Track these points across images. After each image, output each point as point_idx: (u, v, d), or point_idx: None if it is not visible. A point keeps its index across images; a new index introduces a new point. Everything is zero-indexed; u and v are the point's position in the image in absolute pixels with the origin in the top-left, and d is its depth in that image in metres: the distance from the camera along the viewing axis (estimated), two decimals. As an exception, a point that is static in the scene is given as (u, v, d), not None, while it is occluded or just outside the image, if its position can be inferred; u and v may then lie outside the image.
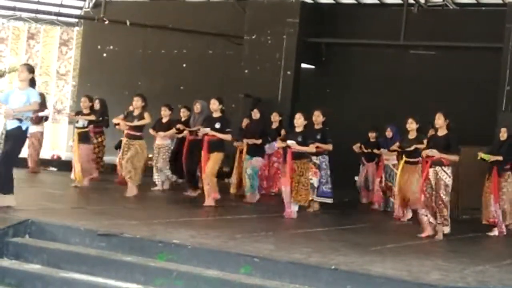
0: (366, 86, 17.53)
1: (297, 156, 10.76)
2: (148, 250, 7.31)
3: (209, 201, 11.28)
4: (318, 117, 11.92)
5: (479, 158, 11.11)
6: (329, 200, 12.06)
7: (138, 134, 11.94)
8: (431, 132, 11.08)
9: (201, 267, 6.95)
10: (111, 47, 20.90)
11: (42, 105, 12.81)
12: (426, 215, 9.87)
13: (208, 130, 11.29)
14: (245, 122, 13.94)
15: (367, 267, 6.91)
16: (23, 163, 14.56)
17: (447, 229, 9.92)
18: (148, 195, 12.42)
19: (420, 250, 8.86)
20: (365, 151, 13.98)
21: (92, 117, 12.78)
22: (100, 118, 13.57)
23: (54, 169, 15.94)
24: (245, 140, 12.72)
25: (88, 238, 7.63)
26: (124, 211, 10.10)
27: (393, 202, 12.52)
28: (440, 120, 9.83)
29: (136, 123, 11.85)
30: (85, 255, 7.31)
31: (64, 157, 18.00)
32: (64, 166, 14.94)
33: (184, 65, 19.82)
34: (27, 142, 14.18)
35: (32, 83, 9.30)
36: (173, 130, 13.17)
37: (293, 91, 17.31)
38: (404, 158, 11.29)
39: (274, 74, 17.37)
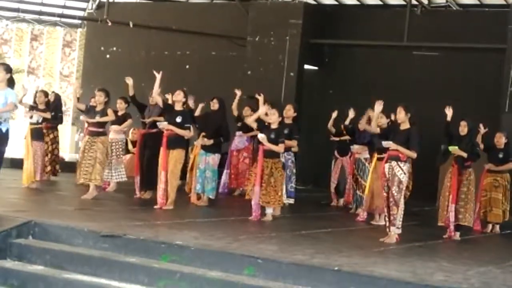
0: (369, 87, 17.51)
1: (269, 154, 10.21)
2: (152, 251, 7.30)
3: (168, 204, 10.58)
4: (289, 111, 11.42)
5: (448, 147, 10.27)
6: (291, 201, 11.62)
7: (101, 130, 11.31)
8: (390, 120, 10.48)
9: (205, 268, 6.94)
10: (114, 48, 20.93)
11: (58, 107, 12.63)
12: (385, 217, 9.26)
13: (165, 124, 10.61)
14: (201, 109, 12.56)
15: (370, 268, 6.91)
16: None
17: (397, 231, 9.07)
18: (147, 196, 12.38)
19: (423, 251, 8.85)
20: (336, 139, 13.18)
21: (47, 115, 12.37)
22: (53, 113, 12.95)
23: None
24: (200, 138, 11.52)
25: (91, 239, 7.62)
26: (127, 212, 10.10)
27: (360, 199, 11.81)
28: (401, 114, 9.30)
29: (98, 119, 11.18)
30: (88, 256, 7.31)
31: (67, 158, 18.03)
32: (68, 167, 14.90)
33: (187, 66, 19.84)
34: None
35: (10, 83, 9.17)
36: (129, 122, 12.57)
37: (296, 92, 17.32)
38: (376, 155, 10.89)
39: (277, 75, 17.38)
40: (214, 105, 11.81)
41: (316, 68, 18.43)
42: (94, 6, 21.20)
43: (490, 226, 11.79)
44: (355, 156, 12.26)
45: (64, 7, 21.88)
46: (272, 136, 10.21)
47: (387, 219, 9.17)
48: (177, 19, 19.32)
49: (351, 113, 12.99)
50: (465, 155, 10.15)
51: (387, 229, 9.16)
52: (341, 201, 13.55)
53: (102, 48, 21.05)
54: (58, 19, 21.64)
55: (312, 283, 6.63)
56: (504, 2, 16.20)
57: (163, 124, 10.69)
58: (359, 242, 8.96)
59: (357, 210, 11.99)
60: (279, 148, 10.28)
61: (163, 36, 19.77)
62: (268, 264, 6.85)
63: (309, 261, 7.03)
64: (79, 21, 21.90)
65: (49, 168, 13.49)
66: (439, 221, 10.46)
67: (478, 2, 17.11)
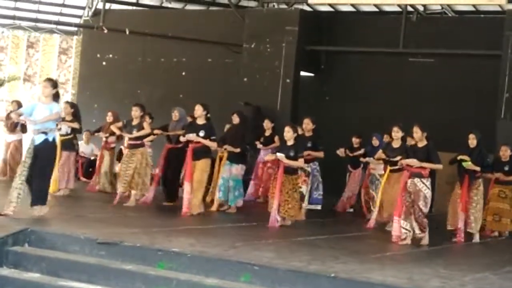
0: (365, 94, 17.56)
1: (289, 171, 10.59)
2: (148, 258, 7.30)
3: (194, 210, 11.06)
4: (307, 125, 11.82)
5: (458, 158, 10.81)
6: (319, 207, 12.01)
7: (139, 142, 11.89)
8: (409, 140, 10.95)
9: (201, 275, 6.94)
10: (111, 55, 20.93)
11: (76, 116, 12.72)
12: (401, 225, 9.78)
13: (193, 136, 11.01)
14: (228, 128, 13.37)
15: (366, 275, 6.91)
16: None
17: (426, 238, 9.88)
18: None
19: (419, 257, 8.86)
20: (350, 155, 14.06)
21: (76, 125, 12.51)
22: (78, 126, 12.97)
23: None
24: (224, 146, 12.17)
25: (87, 247, 7.61)
26: (123, 219, 10.10)
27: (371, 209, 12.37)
28: (418, 134, 9.90)
29: (135, 134, 11.81)
30: (84, 263, 7.30)
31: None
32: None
33: (184, 73, 19.85)
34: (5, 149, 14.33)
35: (56, 97, 9.44)
36: (152, 138, 12.75)
37: (292, 99, 17.33)
38: (389, 167, 11.30)
39: (273, 82, 17.39)
40: (235, 119, 12.49)
41: (312, 74, 18.45)
42: (90, 13, 21.19)
43: (496, 233, 12.20)
44: (370, 171, 12.87)
45: (60, 14, 21.89)
46: (291, 153, 10.57)
47: (406, 224, 9.75)
48: (173, 26, 19.33)
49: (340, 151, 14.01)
50: (478, 169, 10.80)
51: (395, 236, 9.75)
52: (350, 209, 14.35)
53: (98, 55, 21.05)
54: (54, 26, 21.63)
55: (308, 290, 6.63)
56: (500, 9, 16.24)
57: (191, 136, 11.07)
58: (356, 248, 8.97)
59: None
60: (299, 163, 10.64)
61: (159, 43, 19.78)
62: (264, 271, 6.85)
63: (305, 268, 7.03)
64: (75, 28, 21.89)
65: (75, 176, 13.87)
66: (448, 226, 11.14)
67: (473, 9, 17.16)
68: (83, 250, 7.61)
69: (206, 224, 10.46)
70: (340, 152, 14.01)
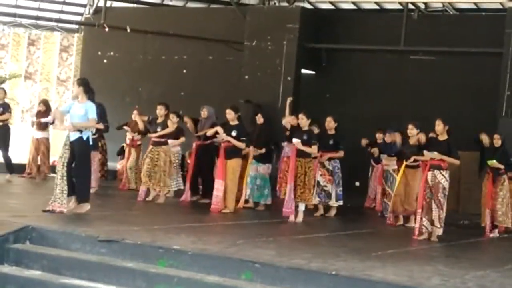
0: (366, 92, 17.55)
1: (301, 154, 10.89)
2: (149, 256, 7.30)
3: (227, 208, 11.38)
4: (330, 123, 12.07)
5: (489, 163, 11.42)
6: (340, 203, 12.22)
7: (163, 140, 12.17)
8: (431, 134, 11.11)
9: (202, 273, 6.94)
10: (112, 53, 20.93)
11: (102, 117, 12.74)
12: (421, 220, 9.98)
13: (224, 135, 11.30)
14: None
15: (368, 272, 6.91)
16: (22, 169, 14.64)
17: (440, 231, 10.03)
18: (148, 201, 12.41)
19: (420, 255, 8.86)
20: (370, 150, 14.17)
21: (100, 126, 12.26)
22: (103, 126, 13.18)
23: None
24: (250, 148, 12.29)
25: (88, 244, 7.62)
26: (125, 217, 10.11)
27: (388, 204, 12.46)
28: (440, 127, 10.08)
29: (160, 133, 12.09)
30: (85, 261, 7.31)
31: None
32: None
33: (185, 71, 19.84)
34: (33, 147, 14.46)
35: (91, 93, 9.73)
36: (183, 139, 13.14)
37: (293, 96, 17.31)
38: (405, 163, 11.46)
39: (274, 79, 17.39)
40: (260, 119, 12.77)
41: (313, 72, 18.43)
42: (91, 11, 21.18)
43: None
44: (384, 168, 12.91)
45: (61, 12, 21.89)
46: (305, 137, 10.92)
47: (424, 221, 9.95)
48: (174, 24, 19.33)
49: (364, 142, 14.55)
50: (502, 167, 11.35)
51: (417, 230, 10.00)
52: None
53: (99, 53, 21.05)
54: (55, 24, 21.63)
55: (309, 288, 6.64)
56: (501, 7, 16.22)
57: (222, 136, 11.32)
58: (357, 246, 8.96)
59: (384, 214, 12.56)
60: (313, 149, 11.01)
61: (160, 41, 19.78)
62: (265, 268, 6.85)
63: (306, 266, 7.03)
64: (76, 26, 21.88)
65: (99, 174, 14.02)
66: (481, 223, 12.00)
67: (475, 7, 17.14)
68: (84, 247, 7.62)
69: (207, 222, 10.47)
70: (364, 142, 14.44)
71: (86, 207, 9.59)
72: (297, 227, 10.61)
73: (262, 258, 7.13)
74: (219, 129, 11.41)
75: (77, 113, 9.53)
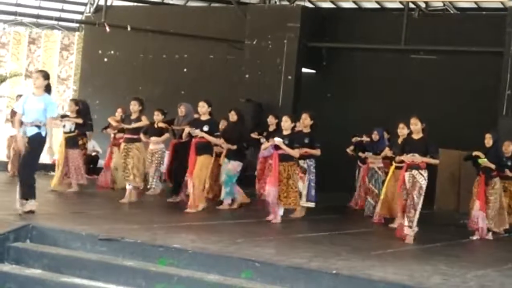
0: (367, 91, 17.55)
1: (284, 158, 10.57)
2: (149, 254, 7.30)
3: (192, 207, 10.90)
4: (305, 120, 11.48)
5: (473, 154, 11.01)
6: (312, 204, 11.69)
7: (136, 137, 11.75)
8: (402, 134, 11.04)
9: (202, 271, 6.94)
10: (112, 51, 20.94)
11: (84, 115, 12.71)
12: (404, 221, 9.66)
13: (198, 131, 10.90)
14: (223, 124, 12.98)
15: (368, 271, 6.91)
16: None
17: (411, 233, 9.56)
18: (147, 199, 12.40)
19: (420, 254, 8.86)
20: (353, 154, 14.10)
21: (79, 120, 12.46)
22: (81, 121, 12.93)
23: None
24: (221, 142, 11.83)
25: (89, 243, 7.62)
26: (124, 215, 10.11)
27: (372, 205, 12.40)
28: (417, 126, 9.74)
29: (134, 125, 11.63)
30: (86, 259, 7.31)
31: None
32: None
33: (185, 69, 19.85)
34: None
35: (48, 89, 9.22)
36: (166, 135, 12.89)
37: (294, 95, 17.34)
38: (394, 164, 11.22)
39: (275, 78, 17.39)
40: (233, 116, 12.46)
41: (314, 71, 18.44)
42: (92, 9, 21.19)
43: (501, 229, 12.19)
44: (369, 166, 12.78)
45: (62, 10, 21.89)
46: (286, 142, 10.55)
47: (404, 222, 9.59)
48: (175, 23, 19.33)
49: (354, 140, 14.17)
50: (493, 167, 10.88)
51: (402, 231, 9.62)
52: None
53: (100, 52, 21.05)
54: (55, 22, 21.64)
55: (310, 287, 6.63)
56: (502, 6, 16.22)
57: (196, 131, 10.98)
58: (357, 245, 8.96)
59: (367, 213, 12.45)
60: (295, 152, 10.64)
61: (161, 40, 19.78)
62: (265, 267, 6.85)
63: (306, 265, 7.03)
64: (77, 25, 21.88)
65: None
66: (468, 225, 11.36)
67: (475, 6, 17.14)
68: (84, 246, 7.62)
69: (207, 221, 10.46)
70: (350, 150, 14.22)
71: (32, 205, 8.97)
72: (297, 226, 10.60)
73: (262, 257, 7.12)
74: (190, 130, 11.03)
75: (35, 107, 8.89)
